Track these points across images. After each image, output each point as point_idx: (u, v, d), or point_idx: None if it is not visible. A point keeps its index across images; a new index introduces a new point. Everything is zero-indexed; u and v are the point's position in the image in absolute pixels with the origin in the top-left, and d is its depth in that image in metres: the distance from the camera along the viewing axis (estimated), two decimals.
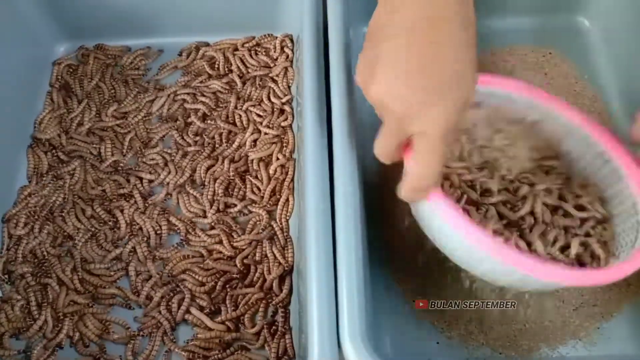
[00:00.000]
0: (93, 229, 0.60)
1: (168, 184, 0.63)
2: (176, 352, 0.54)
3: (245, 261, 0.58)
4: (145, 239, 0.60)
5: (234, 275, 0.58)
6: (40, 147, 0.66)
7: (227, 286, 0.57)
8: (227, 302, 0.56)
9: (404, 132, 0.40)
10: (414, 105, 0.38)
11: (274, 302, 0.56)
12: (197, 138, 0.66)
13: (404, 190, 0.42)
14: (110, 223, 0.61)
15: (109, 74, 0.70)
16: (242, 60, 0.71)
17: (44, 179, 0.63)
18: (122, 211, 0.61)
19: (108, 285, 0.58)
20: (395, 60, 0.38)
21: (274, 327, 0.55)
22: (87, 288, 0.58)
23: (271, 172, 0.63)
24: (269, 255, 0.58)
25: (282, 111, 0.67)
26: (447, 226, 0.43)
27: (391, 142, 0.42)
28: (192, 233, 0.60)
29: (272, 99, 0.67)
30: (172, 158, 0.65)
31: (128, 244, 0.60)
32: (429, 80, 0.37)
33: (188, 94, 0.69)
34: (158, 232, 0.60)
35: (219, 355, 0.54)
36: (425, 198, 0.42)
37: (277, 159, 0.63)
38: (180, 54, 0.72)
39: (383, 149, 0.43)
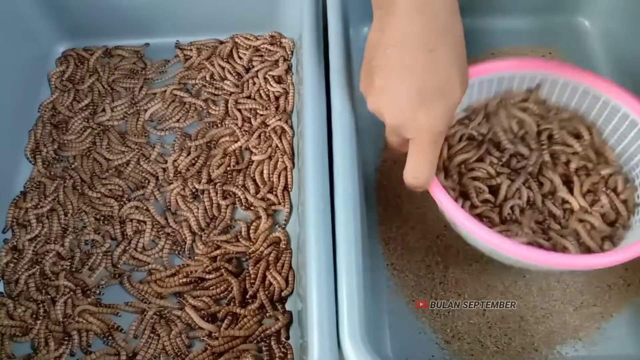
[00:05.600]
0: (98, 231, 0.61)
1: (168, 186, 0.63)
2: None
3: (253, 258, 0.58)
4: (139, 244, 0.60)
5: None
6: (40, 139, 0.66)
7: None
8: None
9: (400, 135, 0.44)
10: (402, 117, 0.42)
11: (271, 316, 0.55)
12: (197, 137, 0.66)
13: (405, 181, 0.46)
14: (117, 229, 0.61)
15: (108, 73, 0.71)
16: (240, 60, 0.71)
17: (46, 181, 0.63)
18: (119, 213, 0.61)
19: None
20: (385, 75, 0.41)
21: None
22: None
23: (265, 171, 0.63)
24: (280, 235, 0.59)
25: (280, 110, 0.67)
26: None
27: (393, 140, 0.46)
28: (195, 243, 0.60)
29: (270, 94, 0.68)
30: (172, 158, 0.64)
31: (119, 247, 0.59)
32: (412, 93, 0.40)
33: (187, 91, 0.69)
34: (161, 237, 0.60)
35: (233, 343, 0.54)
36: (423, 190, 0.47)
37: (277, 159, 0.63)
38: (178, 54, 0.72)
39: (390, 143, 0.48)
